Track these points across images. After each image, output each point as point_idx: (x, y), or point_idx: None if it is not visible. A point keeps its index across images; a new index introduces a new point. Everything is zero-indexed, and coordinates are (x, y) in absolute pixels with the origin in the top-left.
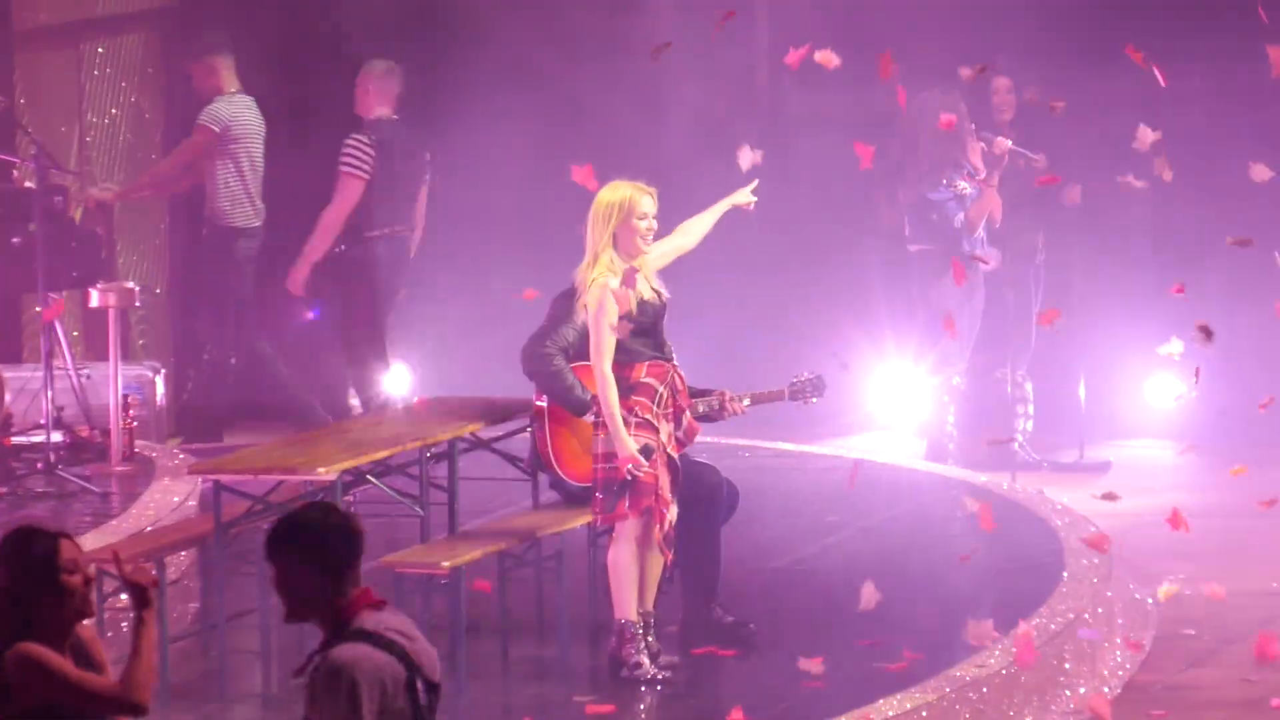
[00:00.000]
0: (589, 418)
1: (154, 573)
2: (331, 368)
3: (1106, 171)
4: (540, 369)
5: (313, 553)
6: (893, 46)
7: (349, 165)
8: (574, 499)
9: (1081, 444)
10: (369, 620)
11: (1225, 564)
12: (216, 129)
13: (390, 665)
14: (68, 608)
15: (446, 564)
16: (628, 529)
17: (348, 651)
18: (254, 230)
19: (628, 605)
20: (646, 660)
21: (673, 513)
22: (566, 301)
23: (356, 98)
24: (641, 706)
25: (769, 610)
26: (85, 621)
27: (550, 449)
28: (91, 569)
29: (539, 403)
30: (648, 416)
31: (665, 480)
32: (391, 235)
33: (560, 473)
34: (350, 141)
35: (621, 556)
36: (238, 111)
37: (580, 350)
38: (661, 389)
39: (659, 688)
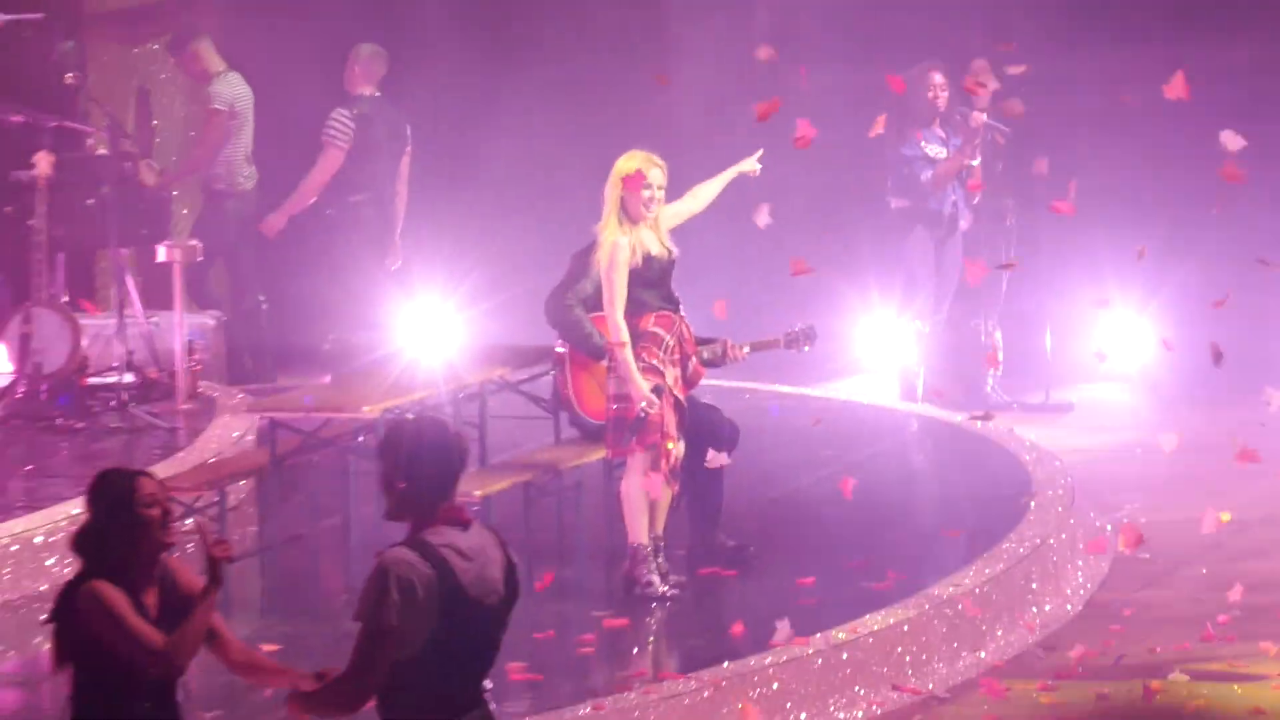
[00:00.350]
0: (605, 362)
1: (231, 551)
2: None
3: (1079, 143)
4: (561, 318)
5: (411, 463)
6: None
7: (330, 136)
8: (592, 435)
9: (1047, 387)
10: (436, 534)
11: (1176, 496)
12: (225, 109)
13: (426, 574)
14: (148, 540)
15: (478, 493)
16: (638, 462)
17: (393, 554)
18: (245, 193)
19: (639, 530)
20: (657, 579)
21: (679, 448)
22: (583, 258)
23: (345, 75)
24: (652, 621)
25: (767, 535)
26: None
27: (570, 390)
28: (170, 504)
29: (559, 349)
30: (654, 362)
31: (671, 419)
32: (374, 199)
33: (580, 411)
34: (334, 115)
35: (633, 487)
36: (236, 90)
37: (597, 301)
38: (668, 337)
39: (668, 604)
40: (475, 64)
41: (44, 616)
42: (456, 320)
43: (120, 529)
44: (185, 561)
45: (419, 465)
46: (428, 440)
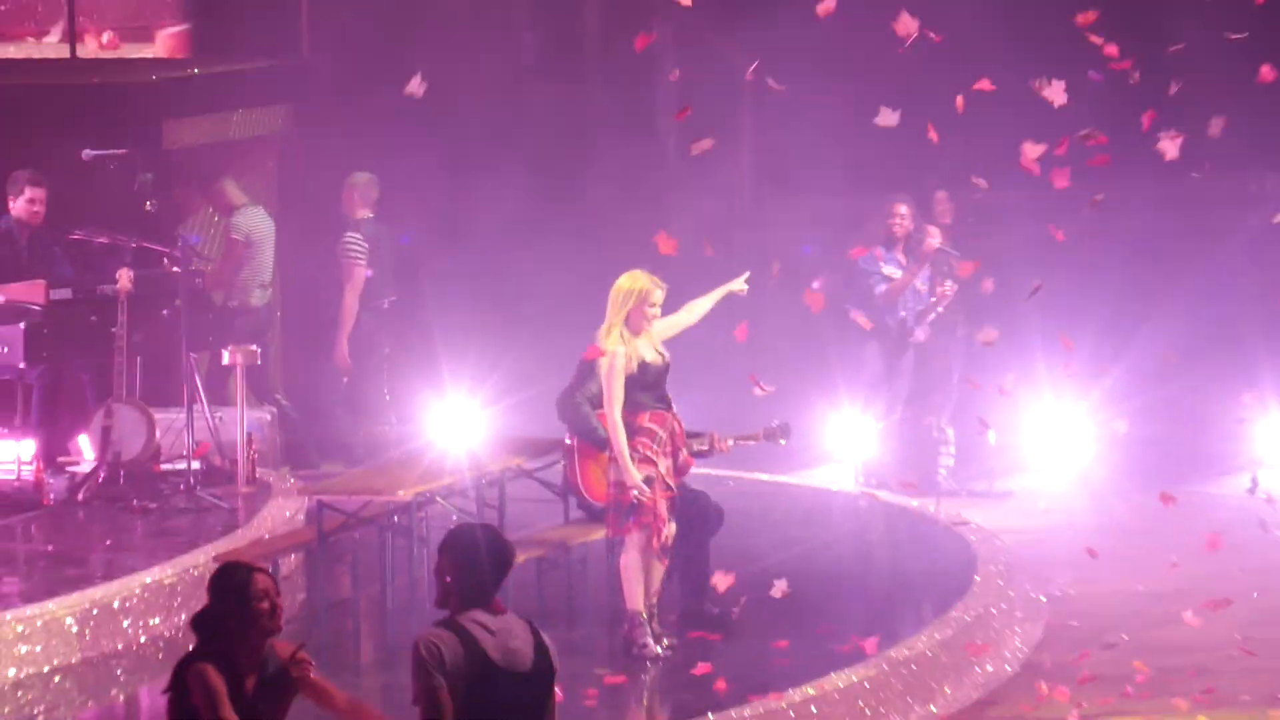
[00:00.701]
0: (607, 452)
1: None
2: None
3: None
4: (571, 415)
5: (459, 563)
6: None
7: (351, 257)
8: (595, 516)
9: (991, 477)
10: (467, 615)
11: (1102, 570)
12: (241, 239)
13: (451, 640)
14: (256, 629)
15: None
16: (634, 540)
17: (429, 631)
18: (255, 310)
19: (636, 599)
20: (651, 641)
21: (671, 529)
22: (589, 363)
23: (343, 200)
24: (646, 678)
25: (748, 603)
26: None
27: (578, 477)
28: (279, 599)
29: (568, 441)
30: (649, 454)
31: (663, 504)
32: (387, 303)
33: (585, 495)
34: (348, 238)
35: (630, 561)
36: (253, 223)
37: (601, 400)
38: (661, 432)
39: (660, 663)
40: (509, 193)
41: (164, 689)
42: (480, 415)
43: (233, 617)
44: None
45: (466, 566)
46: (481, 546)
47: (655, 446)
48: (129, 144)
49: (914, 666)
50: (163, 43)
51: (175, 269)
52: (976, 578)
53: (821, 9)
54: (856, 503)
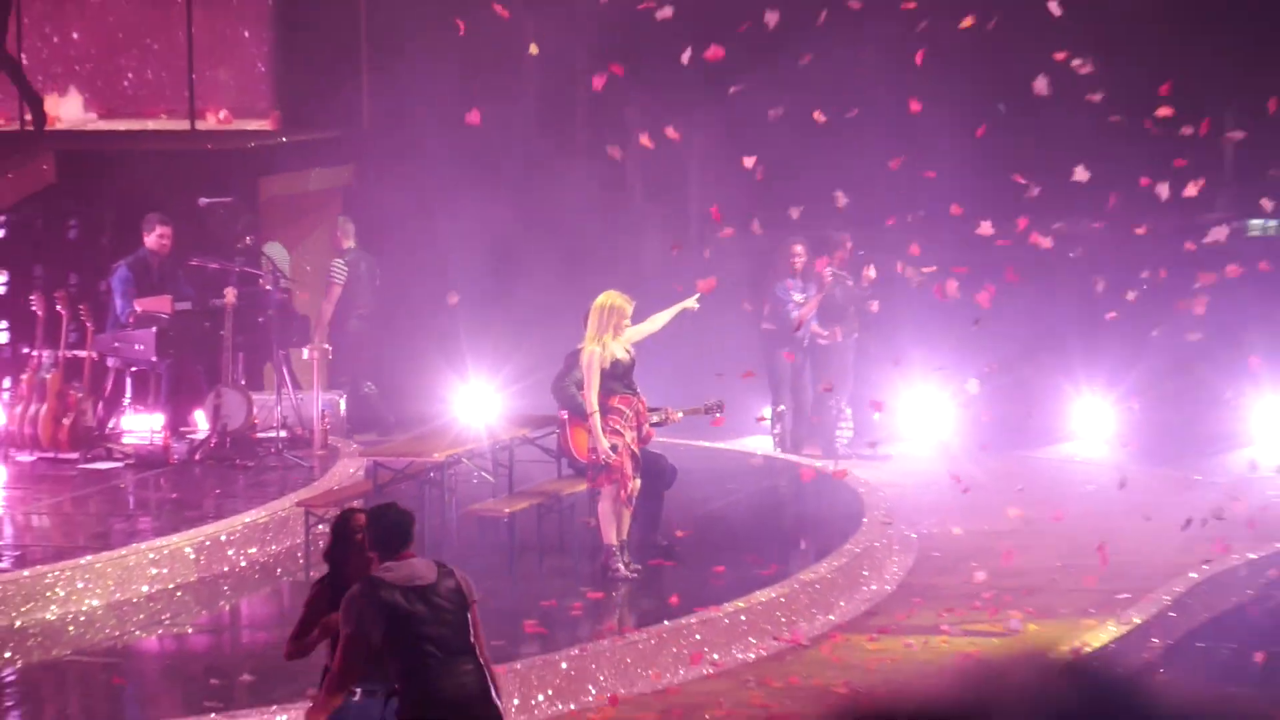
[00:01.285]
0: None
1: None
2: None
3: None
4: (562, 395)
5: (374, 533)
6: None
7: (331, 278)
8: (582, 473)
9: (875, 444)
10: (379, 569)
11: (956, 514)
12: (339, 283)
13: (360, 590)
14: (360, 555)
15: (507, 510)
16: (607, 492)
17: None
18: (356, 332)
19: (610, 535)
20: (621, 567)
21: (635, 484)
22: (574, 357)
23: (332, 237)
24: (618, 595)
25: (693, 538)
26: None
27: (568, 442)
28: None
29: (561, 415)
30: (618, 427)
31: (628, 465)
32: (366, 313)
33: (575, 456)
34: (332, 264)
35: (605, 508)
36: (353, 266)
37: (582, 384)
38: (628, 411)
39: (628, 583)
40: (517, 227)
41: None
42: (494, 396)
43: (342, 549)
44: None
45: (377, 535)
46: (384, 521)
47: (623, 421)
48: (233, 194)
49: (818, 586)
50: (259, 119)
51: (268, 287)
52: (864, 520)
53: (709, 54)
54: (775, 464)
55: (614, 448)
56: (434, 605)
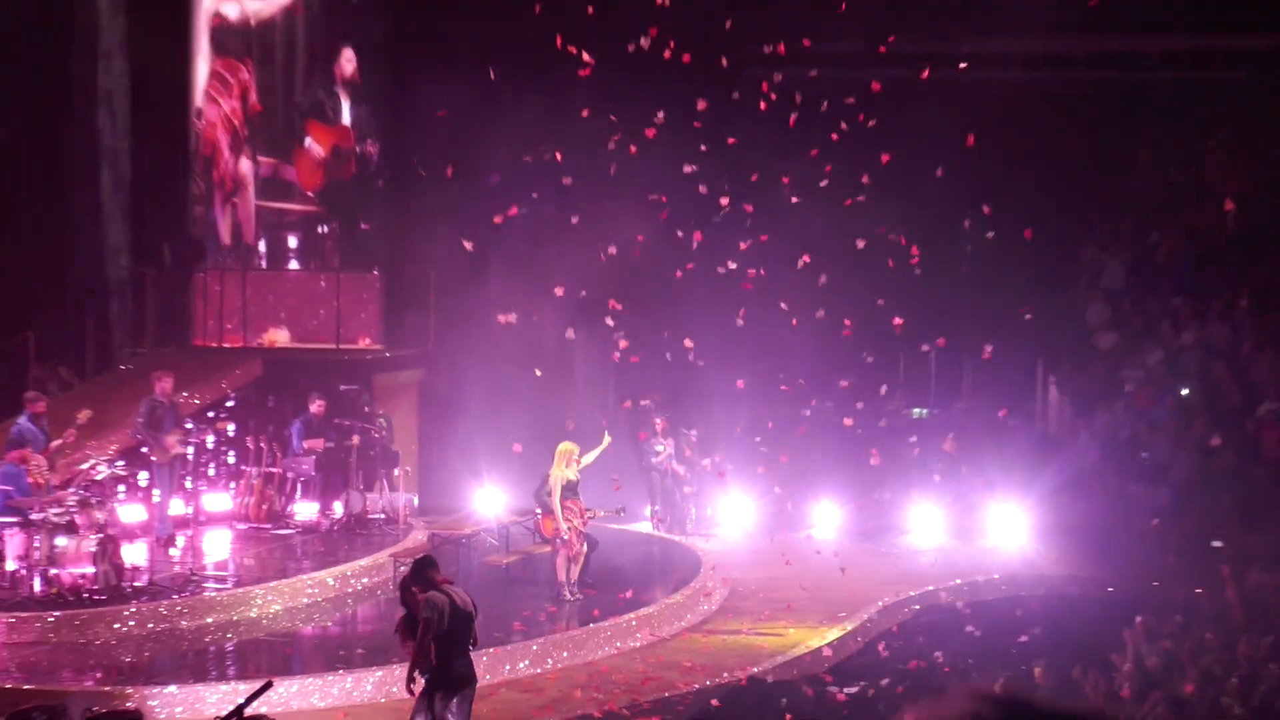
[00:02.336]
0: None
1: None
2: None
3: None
4: (538, 498)
5: (417, 576)
6: None
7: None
8: (548, 542)
9: (708, 527)
10: (441, 588)
11: (752, 568)
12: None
13: (441, 598)
14: (412, 596)
15: (504, 561)
16: (562, 553)
17: (428, 593)
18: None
19: (562, 576)
20: (568, 594)
21: (582, 549)
22: (545, 477)
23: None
24: (564, 610)
25: (607, 579)
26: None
27: (541, 525)
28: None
29: (537, 510)
30: (569, 517)
31: (574, 540)
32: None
33: (544, 534)
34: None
35: (560, 561)
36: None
37: (550, 493)
38: (574, 508)
39: (572, 604)
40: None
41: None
42: (499, 494)
43: (405, 595)
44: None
45: (420, 566)
46: (424, 563)
47: (573, 515)
48: (358, 383)
49: (675, 605)
50: (373, 342)
51: (376, 435)
52: (701, 568)
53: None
54: (653, 538)
55: (569, 529)
56: (463, 615)
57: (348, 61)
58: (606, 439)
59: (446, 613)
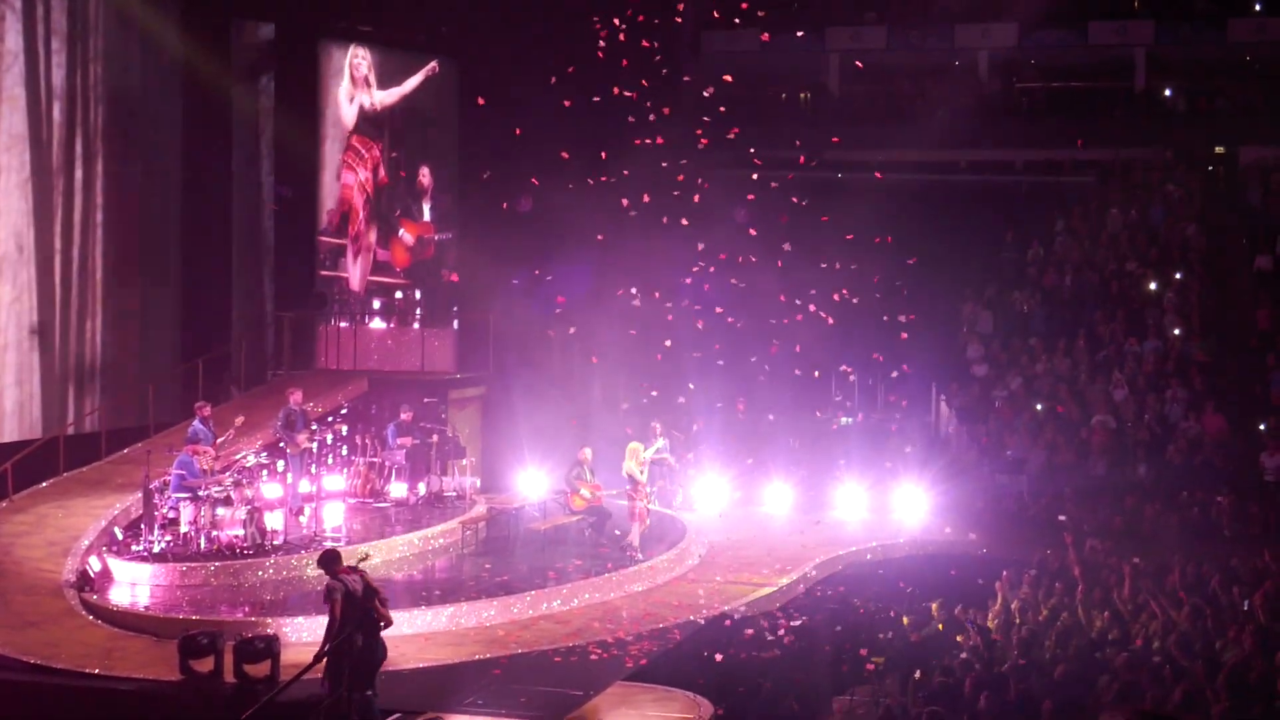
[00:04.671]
0: (582, 492)
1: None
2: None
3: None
4: (568, 479)
5: (323, 565)
6: None
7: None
8: (580, 517)
9: (690, 505)
10: (341, 574)
11: (724, 534)
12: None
13: (337, 584)
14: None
15: (542, 527)
16: (635, 524)
17: (330, 581)
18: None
19: (634, 539)
20: (639, 555)
21: (648, 521)
22: (576, 464)
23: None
24: (586, 564)
25: (615, 543)
26: None
27: (569, 500)
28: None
29: (566, 489)
30: (638, 497)
31: (645, 514)
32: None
33: (572, 508)
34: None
35: (633, 526)
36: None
37: (572, 477)
38: (644, 489)
39: (634, 562)
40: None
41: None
42: (540, 477)
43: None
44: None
45: (329, 557)
46: (329, 553)
47: (640, 491)
48: (437, 398)
49: (667, 561)
50: (447, 369)
51: (450, 435)
52: (687, 533)
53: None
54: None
55: (641, 506)
56: (358, 598)
57: (424, 176)
58: (660, 440)
59: (341, 595)
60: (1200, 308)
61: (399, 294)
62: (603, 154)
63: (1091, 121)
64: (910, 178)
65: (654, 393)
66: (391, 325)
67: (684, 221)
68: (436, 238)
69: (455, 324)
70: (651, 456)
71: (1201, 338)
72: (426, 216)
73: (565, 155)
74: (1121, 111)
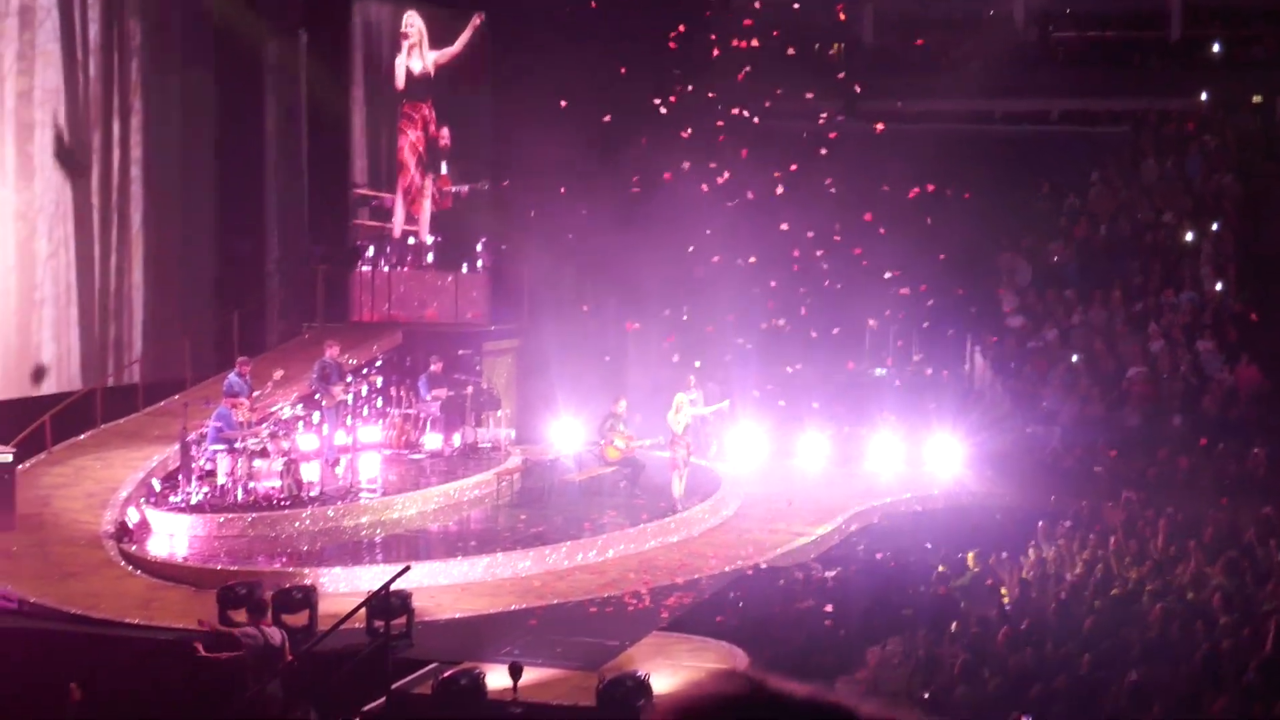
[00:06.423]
0: (616, 442)
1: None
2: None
3: None
4: (601, 430)
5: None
6: None
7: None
8: (609, 466)
9: (721, 456)
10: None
11: (759, 486)
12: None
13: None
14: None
15: (577, 479)
16: (675, 473)
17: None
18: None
19: (676, 491)
20: (680, 506)
21: (687, 470)
22: (610, 415)
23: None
24: (620, 514)
25: (651, 493)
26: None
27: (603, 452)
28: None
29: (599, 440)
30: (679, 449)
31: (683, 463)
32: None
33: (606, 458)
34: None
35: (674, 478)
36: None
37: (604, 428)
38: (682, 440)
39: (683, 509)
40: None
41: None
42: (575, 424)
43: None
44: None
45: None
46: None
47: (680, 443)
48: (471, 350)
49: (703, 512)
50: (480, 319)
51: (484, 386)
52: (721, 484)
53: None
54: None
55: (682, 455)
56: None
57: (444, 138)
58: (726, 403)
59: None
60: (1237, 259)
61: (430, 239)
62: (662, 103)
63: (1128, 71)
64: (945, 128)
65: (685, 316)
66: (427, 271)
67: (713, 165)
68: (454, 190)
69: (487, 276)
70: (689, 409)
71: (1238, 289)
72: (444, 171)
73: (608, 119)
74: (1158, 61)
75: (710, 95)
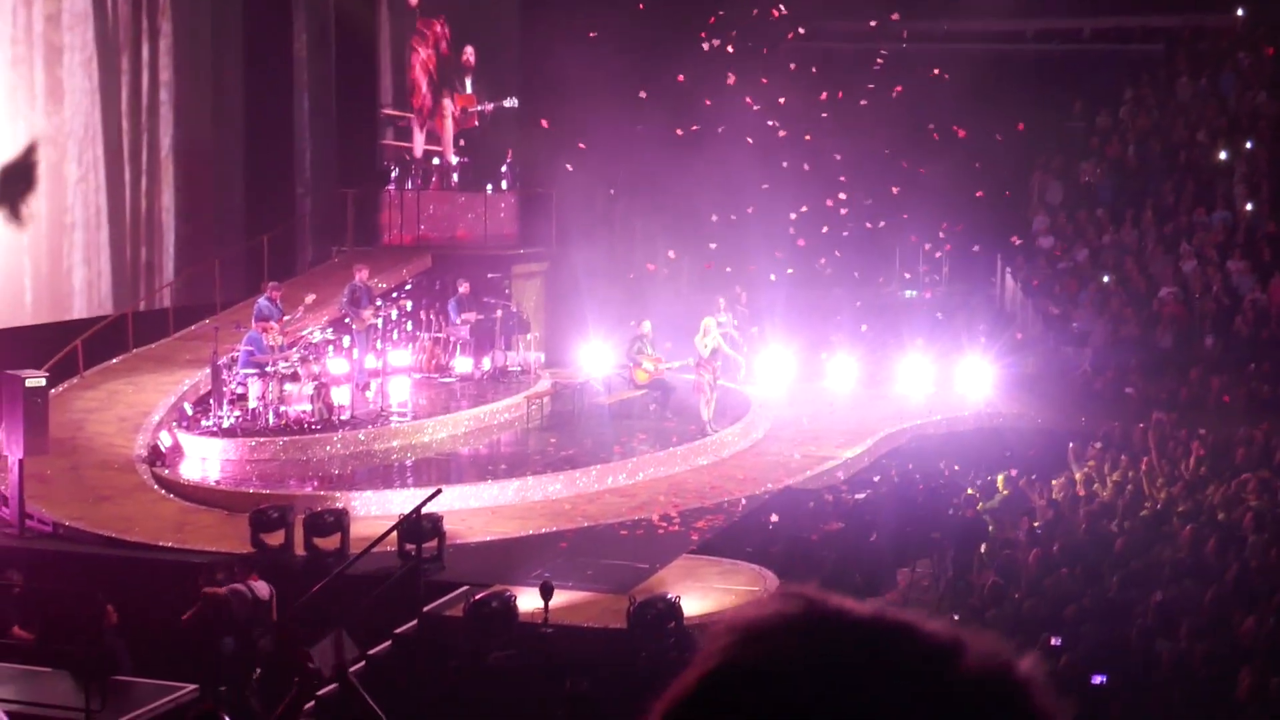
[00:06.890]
0: (644, 365)
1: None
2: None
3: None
4: (628, 353)
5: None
6: None
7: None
8: (640, 389)
9: (750, 380)
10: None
11: (788, 409)
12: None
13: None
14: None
15: (606, 402)
16: (699, 397)
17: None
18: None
19: (704, 414)
20: (709, 428)
21: (713, 395)
22: (637, 338)
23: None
24: (649, 437)
25: (682, 415)
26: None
27: (631, 375)
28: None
29: (629, 361)
30: (705, 373)
31: (708, 388)
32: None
33: (635, 382)
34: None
35: (699, 400)
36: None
37: (632, 351)
38: (709, 363)
39: (704, 437)
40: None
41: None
42: (604, 348)
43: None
44: None
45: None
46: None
47: (706, 369)
48: (501, 272)
49: (733, 435)
50: (511, 243)
51: (514, 309)
52: (751, 408)
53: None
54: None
55: (707, 380)
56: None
57: (469, 55)
58: (724, 315)
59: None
60: (1271, 178)
61: (455, 159)
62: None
63: None
64: (976, 47)
65: (712, 245)
66: (456, 193)
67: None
68: (478, 108)
69: (516, 198)
70: (717, 332)
71: (1271, 208)
72: (469, 90)
73: (642, 95)
74: None
75: (754, 13)
